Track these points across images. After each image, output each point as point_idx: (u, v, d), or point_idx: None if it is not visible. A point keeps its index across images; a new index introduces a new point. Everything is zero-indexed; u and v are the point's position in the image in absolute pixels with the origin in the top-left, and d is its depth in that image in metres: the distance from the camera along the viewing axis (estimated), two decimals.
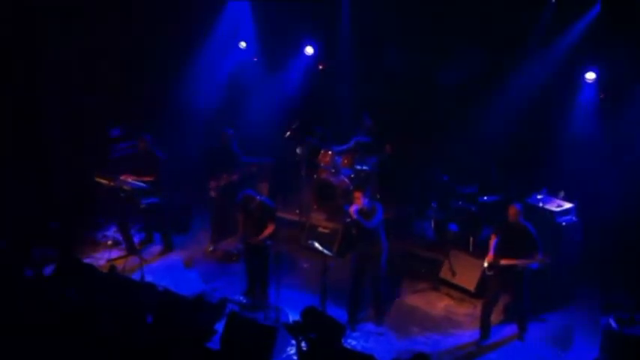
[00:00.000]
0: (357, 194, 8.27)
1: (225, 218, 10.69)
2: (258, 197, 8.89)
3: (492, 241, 8.23)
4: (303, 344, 6.51)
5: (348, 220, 8.35)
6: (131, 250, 10.38)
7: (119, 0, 11.46)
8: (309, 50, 12.50)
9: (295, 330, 6.63)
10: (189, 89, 12.64)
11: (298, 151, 11.56)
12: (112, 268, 8.57)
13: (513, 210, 8.02)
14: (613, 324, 7.38)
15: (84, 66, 11.14)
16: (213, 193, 10.48)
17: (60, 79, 10.89)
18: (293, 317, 8.27)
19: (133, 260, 9.84)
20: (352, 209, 8.22)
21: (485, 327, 8.31)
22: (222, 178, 10.35)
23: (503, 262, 7.95)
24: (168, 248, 10.74)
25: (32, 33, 10.47)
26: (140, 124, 11.75)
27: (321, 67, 12.93)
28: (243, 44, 13.03)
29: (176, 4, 11.89)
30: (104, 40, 11.30)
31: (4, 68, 10.35)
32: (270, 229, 8.79)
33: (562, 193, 9.43)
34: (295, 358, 7.34)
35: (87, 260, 9.69)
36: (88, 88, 11.25)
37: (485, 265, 8.12)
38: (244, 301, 9.05)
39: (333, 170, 11.55)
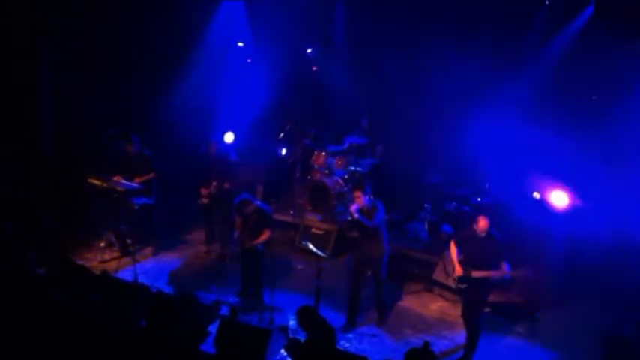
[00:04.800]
0: (357, 193, 8.18)
1: (218, 222, 10.66)
2: (254, 202, 8.86)
3: (454, 252, 7.96)
4: (295, 346, 6.48)
5: (349, 219, 8.27)
6: (124, 251, 10.34)
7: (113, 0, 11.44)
8: (308, 51, 12.57)
9: (288, 332, 6.60)
10: (181, 90, 12.61)
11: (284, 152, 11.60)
12: (105, 272, 8.53)
13: (483, 222, 7.66)
14: (612, 327, 7.40)
15: (78, 66, 11.10)
16: (204, 200, 10.44)
17: (54, 80, 10.86)
18: (289, 319, 8.29)
19: (126, 261, 9.82)
20: (353, 208, 8.11)
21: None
22: (213, 186, 10.33)
23: (475, 274, 7.68)
24: (160, 249, 10.71)
25: (30, 34, 10.43)
26: (131, 126, 11.73)
27: (315, 68, 12.94)
28: (240, 44, 13.03)
29: (171, 5, 11.87)
30: (98, 40, 11.26)
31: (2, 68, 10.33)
32: (265, 236, 8.73)
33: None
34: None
35: (80, 261, 9.66)
36: (82, 89, 11.20)
37: (456, 278, 7.87)
38: (238, 302, 9.02)
39: (327, 171, 11.56)
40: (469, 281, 7.72)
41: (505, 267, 7.63)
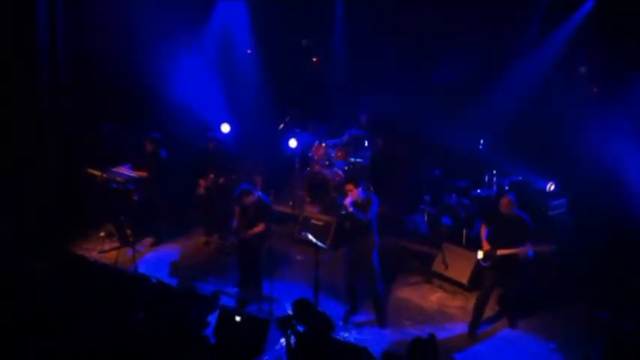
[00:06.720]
0: (350, 186, 8.01)
1: (216, 213, 10.68)
2: (255, 193, 8.84)
3: (483, 232, 8.21)
4: (292, 338, 6.48)
5: (344, 212, 8.06)
6: (124, 242, 10.34)
7: None
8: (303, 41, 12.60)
9: (284, 323, 6.56)
10: (182, 83, 12.57)
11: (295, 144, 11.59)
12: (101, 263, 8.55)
13: (506, 200, 7.96)
14: (606, 318, 7.41)
15: (76, 62, 11.08)
16: (202, 190, 10.48)
17: (53, 76, 10.84)
18: (288, 309, 8.29)
19: (126, 252, 9.84)
20: (347, 201, 7.95)
21: (476, 320, 8.31)
22: (209, 179, 10.34)
23: (500, 252, 7.88)
24: (160, 240, 10.71)
25: (29, 33, 10.42)
26: (132, 119, 11.72)
27: (315, 59, 12.94)
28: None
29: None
30: (98, 35, 11.24)
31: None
32: (259, 228, 8.67)
33: (552, 186, 9.52)
34: None
35: (79, 252, 9.69)
36: (80, 85, 11.19)
37: (480, 256, 8.08)
38: (237, 293, 9.04)
39: (327, 163, 11.56)
40: (493, 259, 7.95)
41: (529, 244, 7.79)
